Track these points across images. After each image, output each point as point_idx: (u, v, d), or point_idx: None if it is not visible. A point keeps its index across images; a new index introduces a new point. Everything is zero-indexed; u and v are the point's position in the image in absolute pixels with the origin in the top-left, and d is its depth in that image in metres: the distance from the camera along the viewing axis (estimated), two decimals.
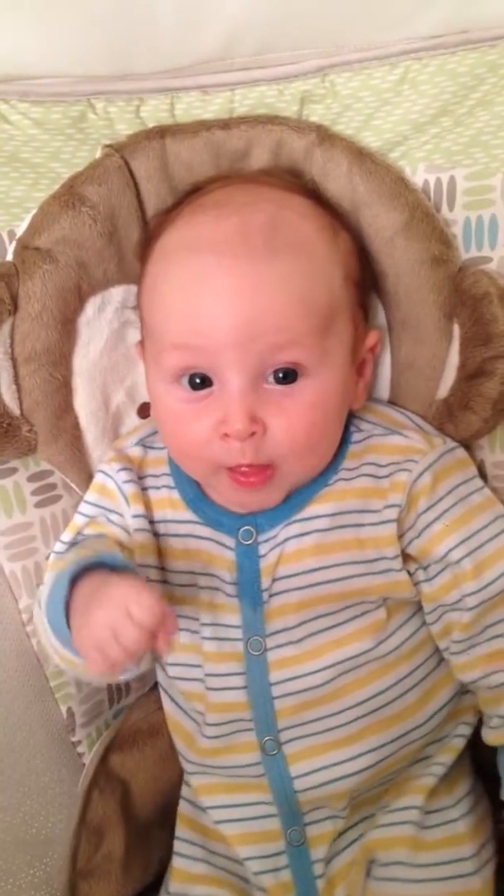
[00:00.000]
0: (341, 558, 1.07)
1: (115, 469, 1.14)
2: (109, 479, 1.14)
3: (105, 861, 1.16)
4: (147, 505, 1.13)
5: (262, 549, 1.09)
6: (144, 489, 1.14)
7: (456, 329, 1.10)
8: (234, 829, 1.11)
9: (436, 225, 1.11)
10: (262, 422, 1.00)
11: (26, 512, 1.17)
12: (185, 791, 1.18)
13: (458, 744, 1.13)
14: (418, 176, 1.13)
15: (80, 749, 1.22)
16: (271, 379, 1.01)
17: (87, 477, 1.18)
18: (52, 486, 1.20)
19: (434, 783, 1.10)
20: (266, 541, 1.09)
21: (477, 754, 1.17)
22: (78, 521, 1.15)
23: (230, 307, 0.99)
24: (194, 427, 1.03)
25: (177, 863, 1.15)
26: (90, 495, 1.15)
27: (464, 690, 1.14)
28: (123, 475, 1.13)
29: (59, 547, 1.14)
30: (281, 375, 1.01)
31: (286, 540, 1.08)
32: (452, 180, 1.12)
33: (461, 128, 1.11)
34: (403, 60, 1.11)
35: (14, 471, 1.16)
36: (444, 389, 1.12)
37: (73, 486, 1.18)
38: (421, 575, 1.08)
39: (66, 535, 1.15)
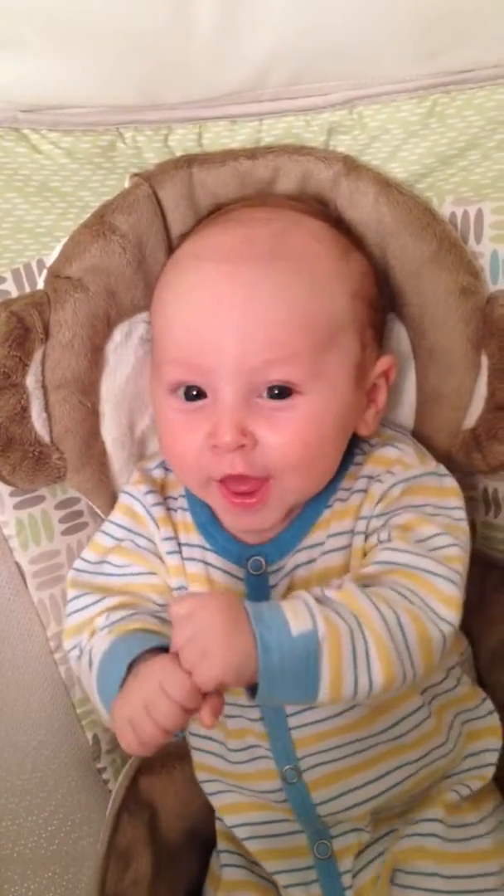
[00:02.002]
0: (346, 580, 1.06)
1: (142, 492, 1.14)
2: (137, 503, 1.14)
3: (132, 886, 1.16)
4: (175, 527, 1.13)
5: (273, 580, 1.09)
6: (170, 510, 1.14)
7: (484, 360, 1.11)
8: (261, 846, 1.11)
9: (464, 256, 1.12)
10: (252, 435, 1.01)
11: (54, 540, 1.18)
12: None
13: (488, 772, 1.13)
14: (445, 208, 1.15)
15: (105, 775, 1.22)
16: (265, 394, 1.01)
17: (113, 503, 1.18)
18: (79, 514, 1.20)
19: (456, 799, 1.11)
20: (275, 571, 1.09)
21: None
22: (104, 541, 1.14)
23: (224, 319, 1.00)
24: (186, 437, 1.04)
25: (227, 874, 1.15)
26: (117, 516, 1.14)
27: (485, 712, 1.15)
28: (151, 498, 1.13)
29: (81, 564, 1.14)
30: (276, 392, 1.01)
31: (295, 568, 1.08)
32: (480, 213, 1.13)
33: (489, 161, 1.12)
34: (432, 94, 1.12)
35: (42, 499, 1.17)
36: (471, 419, 1.13)
37: (100, 512, 1.18)
38: None
39: (91, 555, 1.14)
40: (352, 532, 1.07)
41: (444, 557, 0.99)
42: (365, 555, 1.05)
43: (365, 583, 0.97)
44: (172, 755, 1.23)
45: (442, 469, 1.10)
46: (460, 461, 1.15)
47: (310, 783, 1.07)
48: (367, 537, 1.06)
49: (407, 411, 1.19)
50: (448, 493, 1.07)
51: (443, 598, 0.97)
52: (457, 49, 1.08)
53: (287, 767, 1.07)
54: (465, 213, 1.14)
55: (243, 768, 1.10)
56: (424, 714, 1.08)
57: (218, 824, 1.18)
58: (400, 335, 1.18)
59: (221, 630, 0.88)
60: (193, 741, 1.15)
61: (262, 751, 1.08)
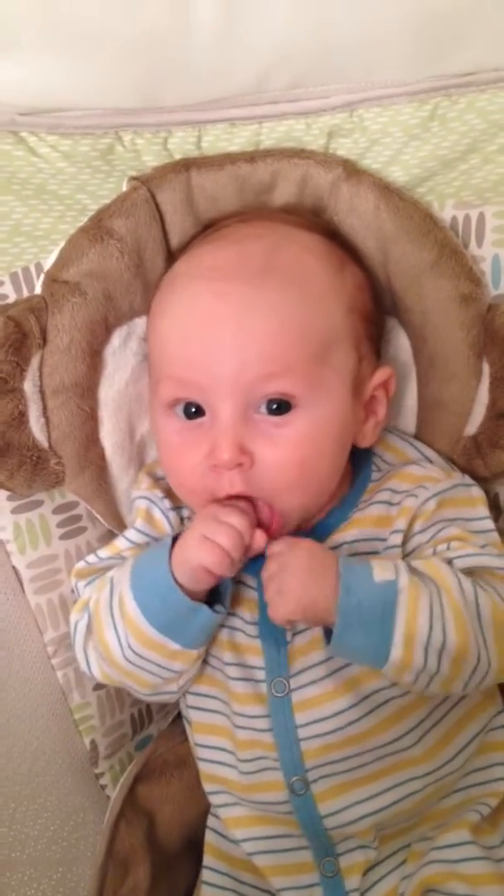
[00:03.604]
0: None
1: (158, 496, 1.13)
2: (155, 507, 1.13)
3: (131, 894, 1.15)
4: None
5: None
6: (182, 519, 1.14)
7: (486, 367, 1.11)
8: (267, 861, 1.10)
9: (465, 263, 1.11)
10: (251, 453, 1.00)
11: (51, 544, 1.17)
12: (212, 822, 1.17)
13: (500, 787, 1.11)
14: (446, 212, 1.14)
15: (102, 781, 1.22)
16: (263, 409, 1.01)
17: (112, 508, 1.18)
18: (78, 518, 1.19)
19: (478, 819, 1.09)
20: None
21: None
22: (121, 543, 1.13)
23: (219, 335, 1.00)
24: (186, 457, 1.04)
25: (205, 892, 1.14)
26: (138, 522, 1.13)
27: (493, 727, 1.14)
28: (167, 503, 1.13)
29: (91, 559, 1.14)
30: (275, 406, 1.01)
31: None
32: (482, 217, 1.12)
33: (491, 165, 1.11)
34: (433, 97, 1.10)
35: (40, 503, 1.16)
36: (472, 426, 1.13)
37: (99, 517, 1.18)
38: None
39: (105, 553, 1.13)
40: (377, 540, 1.07)
41: None
42: None
43: None
44: (170, 763, 1.23)
45: (467, 479, 1.12)
46: (461, 467, 1.15)
47: (317, 794, 1.06)
48: (405, 552, 1.06)
49: (408, 417, 1.19)
50: (476, 503, 1.11)
51: None
52: (458, 52, 1.07)
53: (295, 779, 1.06)
54: (467, 217, 1.13)
55: (251, 779, 1.08)
56: (428, 726, 1.07)
57: (208, 837, 1.17)
58: (400, 342, 1.18)
59: (302, 571, 0.98)
60: (203, 752, 1.13)
61: (270, 762, 1.07)
